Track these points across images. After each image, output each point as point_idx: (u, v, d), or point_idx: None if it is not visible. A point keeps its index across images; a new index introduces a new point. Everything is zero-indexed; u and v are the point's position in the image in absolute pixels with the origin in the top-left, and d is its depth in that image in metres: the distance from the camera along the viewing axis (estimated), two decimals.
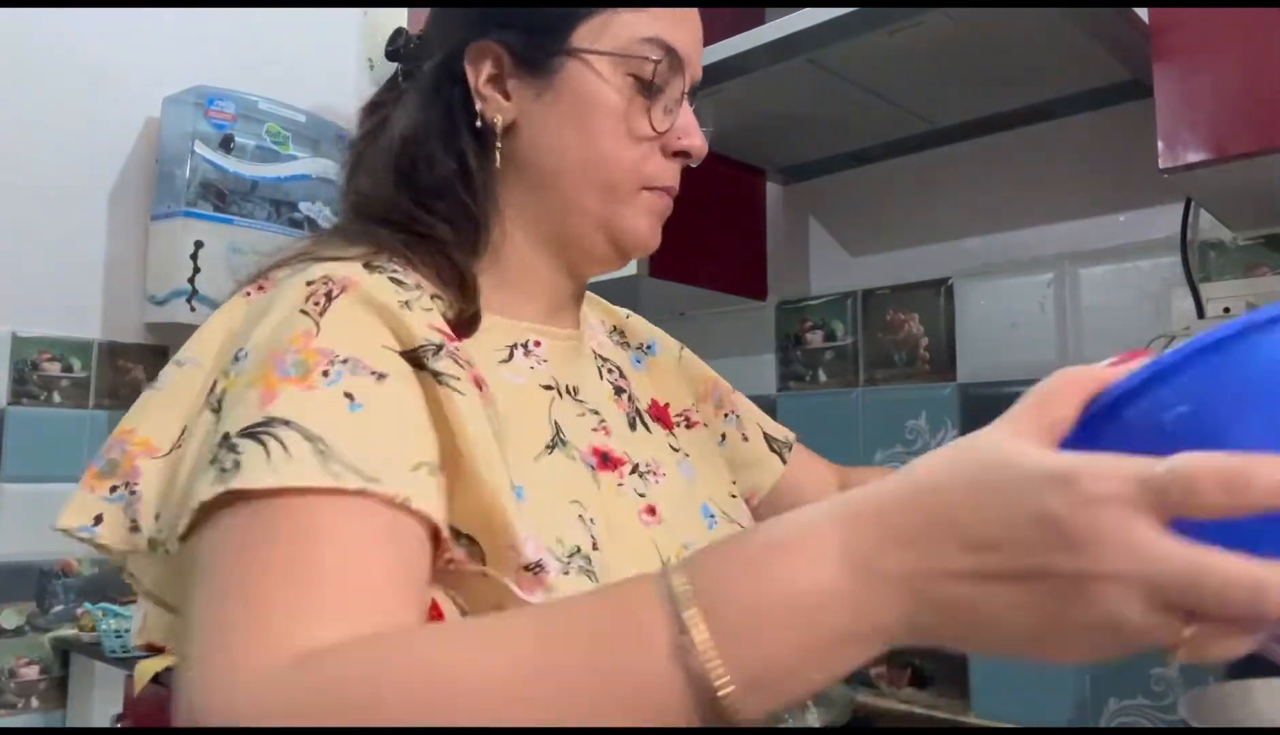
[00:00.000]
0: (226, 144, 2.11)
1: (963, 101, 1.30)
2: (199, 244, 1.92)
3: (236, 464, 0.46)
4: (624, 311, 0.89)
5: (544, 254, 0.69)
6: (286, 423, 0.47)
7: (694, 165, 0.73)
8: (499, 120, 0.65)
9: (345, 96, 2.65)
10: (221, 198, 2.11)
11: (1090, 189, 1.33)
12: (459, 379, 0.53)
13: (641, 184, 0.69)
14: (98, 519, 0.55)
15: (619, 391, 0.75)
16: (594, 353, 0.77)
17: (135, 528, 0.54)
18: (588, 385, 0.70)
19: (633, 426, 0.73)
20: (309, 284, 0.55)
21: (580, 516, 0.59)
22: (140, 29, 2.27)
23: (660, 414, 0.78)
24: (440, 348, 0.54)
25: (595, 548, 0.58)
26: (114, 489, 0.55)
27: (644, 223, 0.72)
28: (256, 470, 0.46)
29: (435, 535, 0.50)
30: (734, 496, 0.78)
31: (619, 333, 0.86)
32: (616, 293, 1.60)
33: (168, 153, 2.15)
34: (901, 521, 0.37)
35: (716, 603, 0.38)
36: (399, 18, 2.19)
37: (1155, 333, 1.23)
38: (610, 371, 0.76)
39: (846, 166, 1.56)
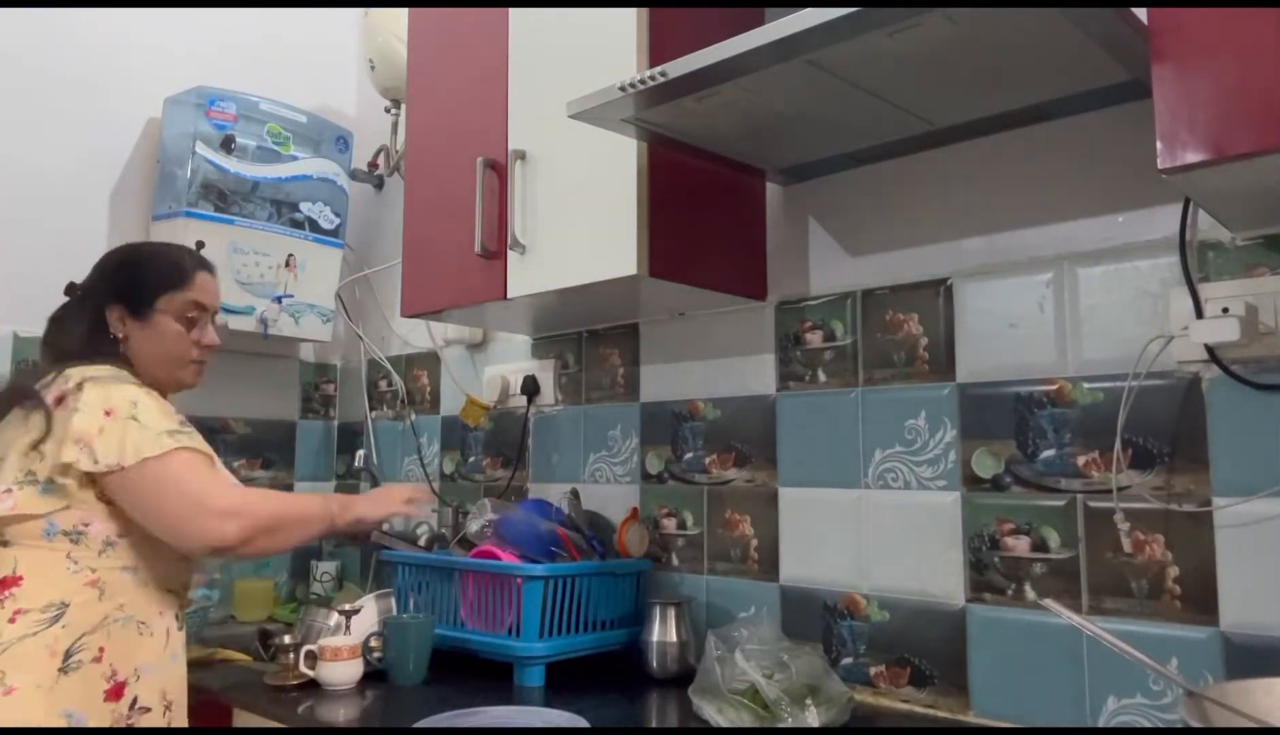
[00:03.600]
0: (227, 144, 2.11)
1: (963, 101, 1.30)
2: (200, 244, 1.93)
3: (189, 434, 1.30)
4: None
5: (150, 380, 1.38)
6: (185, 431, 1.31)
7: (210, 355, 1.51)
8: (127, 335, 1.40)
9: (346, 97, 2.66)
10: (222, 198, 2.11)
11: (1089, 189, 1.33)
12: (192, 431, 1.34)
13: (190, 360, 1.43)
14: (67, 468, 1.25)
15: None
16: None
17: (94, 460, 1.22)
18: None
19: None
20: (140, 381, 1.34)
21: None
22: (141, 30, 2.27)
23: None
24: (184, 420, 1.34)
25: None
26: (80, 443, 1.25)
27: (189, 376, 1.45)
28: (191, 441, 1.30)
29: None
30: None
31: None
32: (617, 293, 1.61)
33: (169, 153, 2.15)
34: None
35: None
36: (399, 18, 2.20)
37: (1154, 333, 1.23)
38: None
39: (846, 166, 1.57)
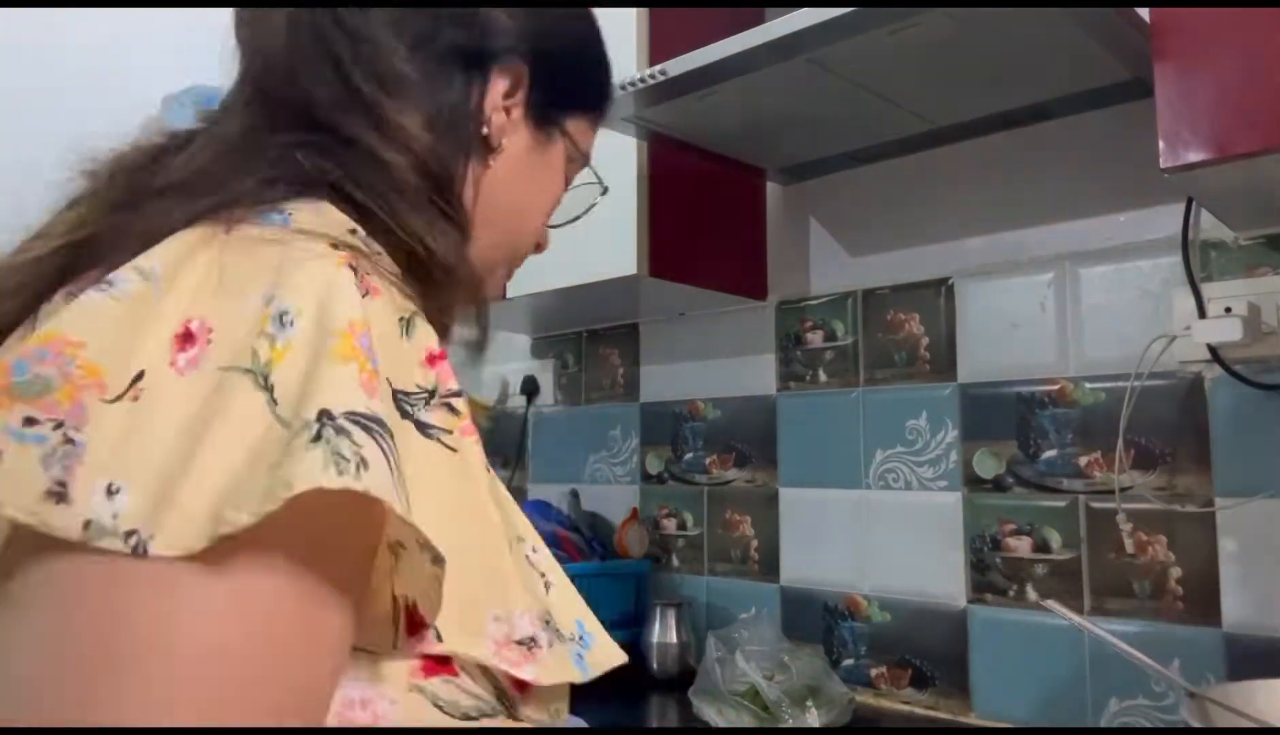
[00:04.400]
0: None
1: (963, 101, 1.30)
2: None
3: (363, 461, 0.38)
4: None
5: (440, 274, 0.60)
6: (391, 435, 0.41)
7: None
8: (502, 142, 0.64)
9: None
10: None
11: (1090, 189, 1.33)
12: (450, 433, 0.47)
13: (529, 248, 0.73)
14: None
15: None
16: None
17: (60, 496, 0.36)
18: None
19: None
20: (349, 265, 0.45)
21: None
22: (138, 28, 2.27)
23: None
24: (434, 392, 0.47)
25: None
26: (30, 422, 0.37)
27: (498, 285, 0.73)
28: (386, 481, 0.39)
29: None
30: None
31: None
32: (617, 293, 1.61)
33: None
34: None
35: None
36: None
37: (1156, 333, 1.23)
38: None
39: (846, 166, 1.56)
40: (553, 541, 1.70)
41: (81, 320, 0.40)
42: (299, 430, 0.38)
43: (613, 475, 1.90)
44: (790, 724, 1.26)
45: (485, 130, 0.62)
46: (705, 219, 1.58)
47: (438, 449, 0.46)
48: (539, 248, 0.74)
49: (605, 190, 0.78)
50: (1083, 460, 1.29)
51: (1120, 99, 1.26)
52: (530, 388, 2.05)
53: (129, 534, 0.36)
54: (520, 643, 0.48)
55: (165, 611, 0.37)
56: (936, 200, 1.48)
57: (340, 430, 0.38)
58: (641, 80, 1.22)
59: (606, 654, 0.54)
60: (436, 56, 0.60)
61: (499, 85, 0.63)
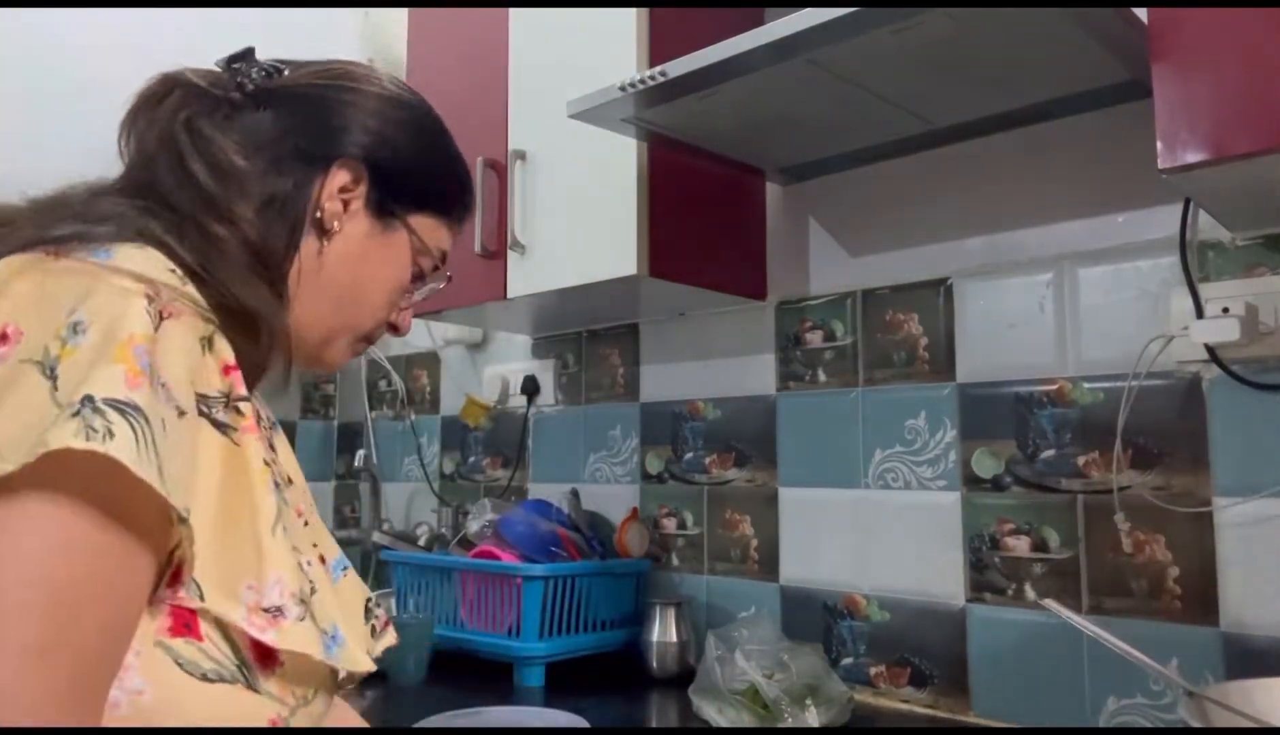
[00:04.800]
0: None
1: (962, 101, 1.30)
2: None
3: (109, 431, 0.49)
4: None
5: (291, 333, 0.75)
6: (146, 418, 0.51)
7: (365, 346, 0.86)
8: (336, 226, 0.75)
9: None
10: None
11: (1089, 189, 1.33)
12: (235, 430, 0.61)
13: (371, 327, 0.82)
14: None
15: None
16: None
17: None
18: (282, 450, 0.77)
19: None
20: (146, 295, 0.56)
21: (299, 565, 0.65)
22: (140, 29, 2.27)
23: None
24: (228, 397, 0.61)
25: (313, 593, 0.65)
26: None
27: (345, 357, 0.83)
28: (128, 448, 0.50)
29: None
30: None
31: None
32: (617, 293, 1.61)
33: None
34: None
35: None
36: (399, 18, 2.19)
37: (1154, 333, 1.23)
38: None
39: (846, 166, 1.57)
40: (553, 541, 1.71)
41: None
42: (65, 408, 0.50)
43: (613, 475, 1.91)
44: (790, 723, 1.26)
45: (319, 214, 0.74)
46: (705, 219, 1.58)
47: (226, 442, 0.59)
48: (395, 329, 0.84)
49: (449, 279, 0.88)
50: (1081, 460, 1.30)
51: (1119, 99, 1.27)
52: (530, 388, 2.05)
53: None
54: (266, 610, 0.58)
55: None
56: (936, 200, 1.48)
57: (96, 410, 0.50)
58: (641, 81, 1.23)
59: (355, 659, 0.64)
60: (275, 156, 0.73)
61: (337, 179, 0.75)
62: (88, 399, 0.50)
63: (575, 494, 1.88)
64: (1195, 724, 0.86)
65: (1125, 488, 1.25)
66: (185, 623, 0.56)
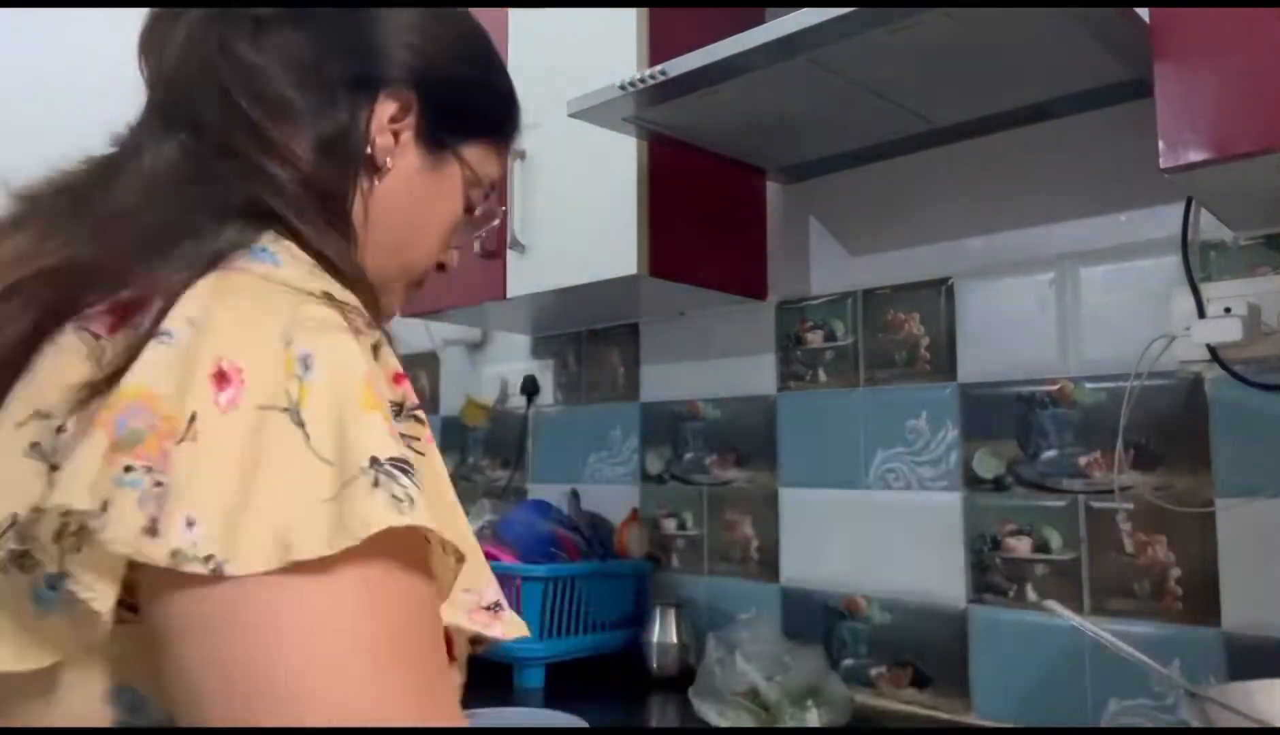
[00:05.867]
0: None
1: (963, 101, 1.30)
2: None
3: (410, 498, 0.46)
4: None
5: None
6: (414, 469, 0.48)
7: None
8: (388, 162, 0.67)
9: None
10: None
11: (1090, 189, 1.33)
12: (419, 440, 0.53)
13: (419, 278, 0.76)
14: (105, 505, 0.42)
15: None
16: None
17: (152, 531, 0.42)
18: None
19: None
20: (342, 315, 0.51)
21: None
22: (140, 30, 2.26)
23: None
24: (402, 407, 0.53)
25: None
26: (129, 469, 0.43)
27: (400, 306, 0.77)
28: (427, 513, 0.46)
29: None
30: None
31: None
32: (617, 293, 1.61)
33: None
34: None
35: None
36: None
37: (1156, 333, 1.23)
38: None
39: (846, 166, 1.56)
40: (552, 542, 1.70)
41: (153, 373, 0.45)
42: (355, 475, 0.45)
43: (613, 475, 1.90)
44: (790, 724, 1.26)
45: (369, 150, 0.66)
46: (705, 219, 1.58)
47: (413, 456, 0.50)
48: (442, 267, 0.77)
49: (505, 211, 0.81)
50: (1083, 460, 1.30)
51: (1120, 99, 1.26)
52: (530, 388, 2.05)
53: (207, 558, 0.42)
54: (487, 608, 0.58)
55: (310, 619, 0.44)
56: (936, 200, 1.48)
57: (389, 474, 0.45)
58: (641, 80, 1.22)
59: (519, 624, 0.62)
60: (323, 84, 0.64)
61: (385, 109, 0.67)
62: (375, 462, 0.46)
63: (575, 494, 1.87)
64: (1197, 725, 0.85)
65: (1127, 488, 1.25)
66: None
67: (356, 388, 0.48)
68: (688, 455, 1.78)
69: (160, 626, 0.44)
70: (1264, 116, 0.87)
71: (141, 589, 0.45)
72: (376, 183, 0.67)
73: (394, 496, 0.45)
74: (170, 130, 0.60)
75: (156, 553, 0.42)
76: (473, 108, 0.74)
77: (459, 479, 2.24)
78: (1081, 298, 1.32)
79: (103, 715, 0.47)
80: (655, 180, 1.47)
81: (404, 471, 0.46)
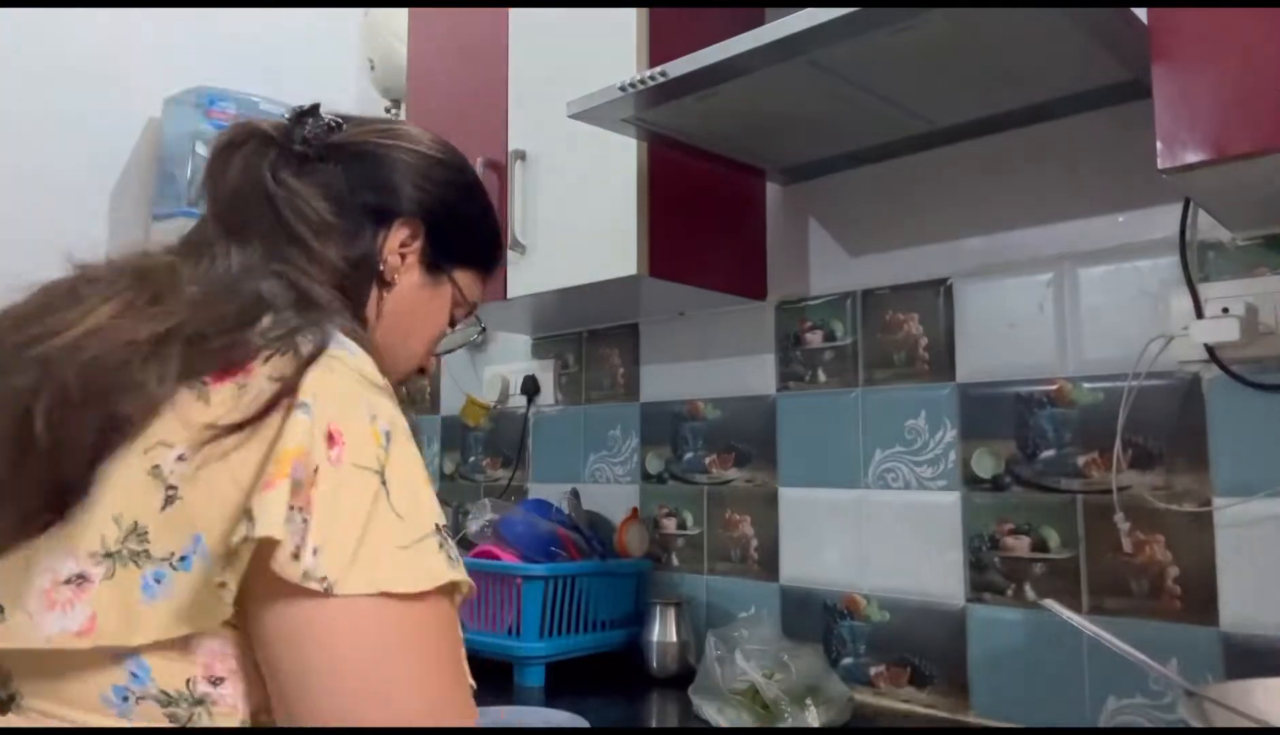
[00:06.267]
0: None
1: (963, 101, 1.30)
2: None
3: (457, 559, 0.64)
4: None
5: None
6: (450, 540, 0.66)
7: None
8: (395, 279, 0.83)
9: (345, 97, 2.66)
10: None
11: (1089, 189, 1.33)
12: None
13: (401, 380, 0.89)
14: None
15: None
16: None
17: (296, 556, 0.57)
18: None
19: None
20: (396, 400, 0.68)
21: None
22: (141, 30, 2.27)
23: None
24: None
25: None
26: (292, 509, 0.58)
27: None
28: (464, 569, 0.65)
29: None
30: None
31: None
32: (617, 293, 1.61)
33: (169, 153, 2.15)
34: None
35: None
36: (399, 18, 2.19)
37: (1154, 333, 1.23)
38: None
39: (846, 166, 1.57)
40: (553, 541, 1.71)
41: (302, 436, 0.59)
42: (427, 533, 0.62)
43: (613, 475, 1.91)
44: (790, 723, 1.26)
45: (381, 268, 0.82)
46: (705, 219, 1.58)
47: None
48: (422, 371, 0.93)
49: (484, 331, 1.09)
50: (1081, 460, 1.30)
51: (1119, 99, 1.27)
52: (530, 388, 2.05)
53: (322, 579, 0.57)
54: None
55: (397, 635, 0.61)
56: (936, 200, 1.48)
57: (445, 539, 0.64)
58: (641, 81, 1.23)
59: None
60: (354, 212, 0.79)
61: (398, 235, 0.83)
62: (438, 528, 0.63)
63: (575, 494, 1.88)
64: (1195, 724, 0.86)
65: (1125, 488, 1.25)
66: None
67: (419, 467, 0.65)
68: (688, 455, 1.78)
69: (272, 627, 0.59)
70: (1262, 117, 0.87)
71: (255, 596, 0.58)
72: (385, 294, 0.83)
73: (450, 557, 0.63)
74: (228, 237, 0.74)
75: (294, 572, 0.56)
76: (466, 239, 0.90)
77: (460, 478, 2.24)
78: (1080, 298, 1.33)
79: (117, 676, 0.59)
80: (655, 181, 1.47)
81: (449, 536, 0.65)
